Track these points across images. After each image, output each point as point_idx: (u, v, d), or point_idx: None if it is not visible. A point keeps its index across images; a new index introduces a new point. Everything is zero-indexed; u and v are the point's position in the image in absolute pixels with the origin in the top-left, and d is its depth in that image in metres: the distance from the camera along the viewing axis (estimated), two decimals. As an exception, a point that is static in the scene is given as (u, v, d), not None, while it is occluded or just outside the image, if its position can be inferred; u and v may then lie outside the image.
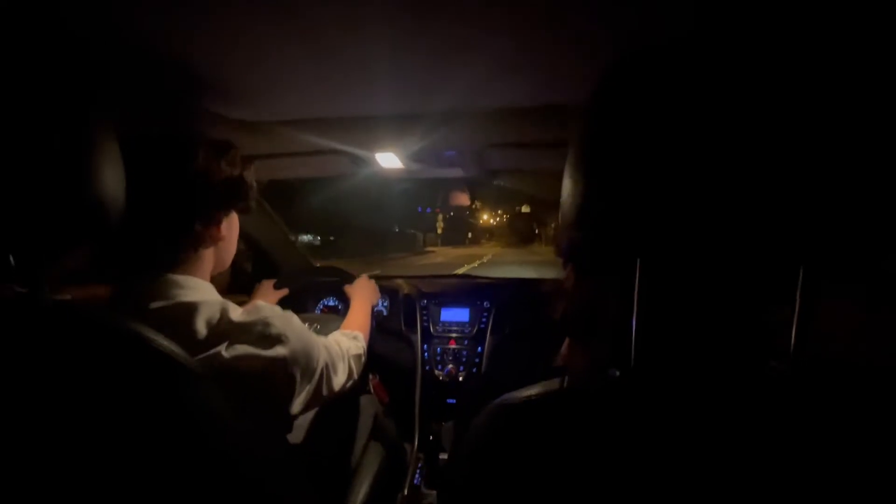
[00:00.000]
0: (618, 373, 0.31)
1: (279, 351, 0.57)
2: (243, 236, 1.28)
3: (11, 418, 0.33)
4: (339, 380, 0.71)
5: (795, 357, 0.30)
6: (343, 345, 0.77)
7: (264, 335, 0.57)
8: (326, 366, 0.66)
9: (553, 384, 0.33)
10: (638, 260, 0.32)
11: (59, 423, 0.34)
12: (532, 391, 0.33)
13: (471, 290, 1.51)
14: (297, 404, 0.61)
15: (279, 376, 0.58)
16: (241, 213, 0.67)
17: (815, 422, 0.28)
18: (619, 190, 0.30)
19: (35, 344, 0.34)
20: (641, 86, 0.30)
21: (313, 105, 0.74)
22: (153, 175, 0.53)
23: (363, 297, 1.08)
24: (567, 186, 0.34)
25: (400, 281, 1.55)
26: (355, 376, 0.79)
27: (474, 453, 0.34)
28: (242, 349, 0.54)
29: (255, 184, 0.66)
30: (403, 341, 1.45)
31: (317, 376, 0.64)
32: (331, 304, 1.51)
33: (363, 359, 0.84)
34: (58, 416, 0.34)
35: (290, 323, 0.61)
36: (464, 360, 1.39)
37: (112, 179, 0.39)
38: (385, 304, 1.50)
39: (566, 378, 0.33)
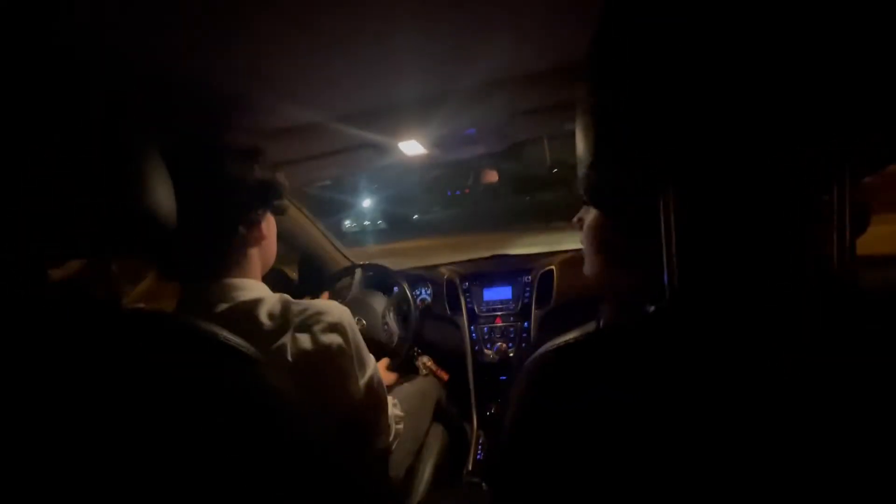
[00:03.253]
0: (652, 308, 0.32)
1: (335, 339, 0.61)
2: (284, 240, 1.35)
3: (104, 414, 0.36)
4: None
5: (836, 287, 0.29)
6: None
7: (322, 325, 0.61)
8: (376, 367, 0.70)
9: (590, 327, 0.33)
10: (663, 196, 0.31)
11: (145, 418, 0.37)
12: (569, 336, 0.33)
13: (510, 267, 1.51)
14: (357, 389, 0.65)
15: (336, 361, 0.61)
16: (276, 213, 0.71)
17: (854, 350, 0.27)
18: (628, 125, 0.30)
19: (120, 346, 0.38)
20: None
21: (336, 103, 0.76)
22: (196, 184, 0.56)
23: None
24: (580, 130, 0.34)
25: (441, 268, 1.58)
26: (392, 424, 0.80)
27: (518, 400, 0.35)
28: (304, 337, 0.59)
29: (286, 183, 0.70)
30: (451, 325, 1.48)
31: (370, 368, 0.68)
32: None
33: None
34: (144, 412, 0.37)
35: (343, 314, 0.64)
36: (512, 336, 1.40)
37: (161, 189, 0.43)
38: (428, 291, 1.53)
39: (601, 320, 0.34)
